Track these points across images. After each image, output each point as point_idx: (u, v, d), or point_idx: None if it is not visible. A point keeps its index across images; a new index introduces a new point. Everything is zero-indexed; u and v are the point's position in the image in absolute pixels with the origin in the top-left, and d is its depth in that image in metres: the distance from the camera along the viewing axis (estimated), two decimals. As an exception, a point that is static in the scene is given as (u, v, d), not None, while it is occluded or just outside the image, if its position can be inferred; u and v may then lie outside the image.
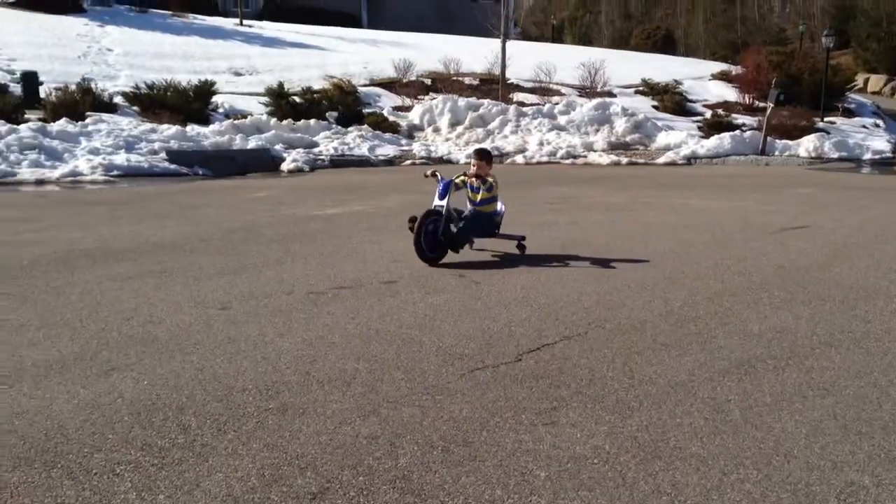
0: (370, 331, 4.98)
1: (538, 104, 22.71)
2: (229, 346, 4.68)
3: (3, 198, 11.96)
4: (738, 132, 20.43)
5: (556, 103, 22.46)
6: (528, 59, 26.23)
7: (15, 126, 15.82)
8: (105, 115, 18.20)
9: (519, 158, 18.79)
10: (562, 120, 21.31)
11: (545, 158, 18.93)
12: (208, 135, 17.99)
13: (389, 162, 18.46)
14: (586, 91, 24.94)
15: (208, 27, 31.34)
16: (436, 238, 7.01)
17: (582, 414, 3.66)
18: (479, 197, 7.36)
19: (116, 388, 3.98)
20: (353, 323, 5.16)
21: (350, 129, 20.00)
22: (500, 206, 7.58)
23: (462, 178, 7.40)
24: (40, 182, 13.83)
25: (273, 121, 19.32)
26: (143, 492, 2.94)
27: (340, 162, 17.86)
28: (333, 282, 6.38)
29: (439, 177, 7.36)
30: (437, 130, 21.22)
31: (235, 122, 19.04)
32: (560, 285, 6.18)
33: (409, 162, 18.51)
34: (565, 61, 26.62)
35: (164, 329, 5.04)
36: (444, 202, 7.09)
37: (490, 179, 7.32)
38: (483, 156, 7.45)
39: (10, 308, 5.51)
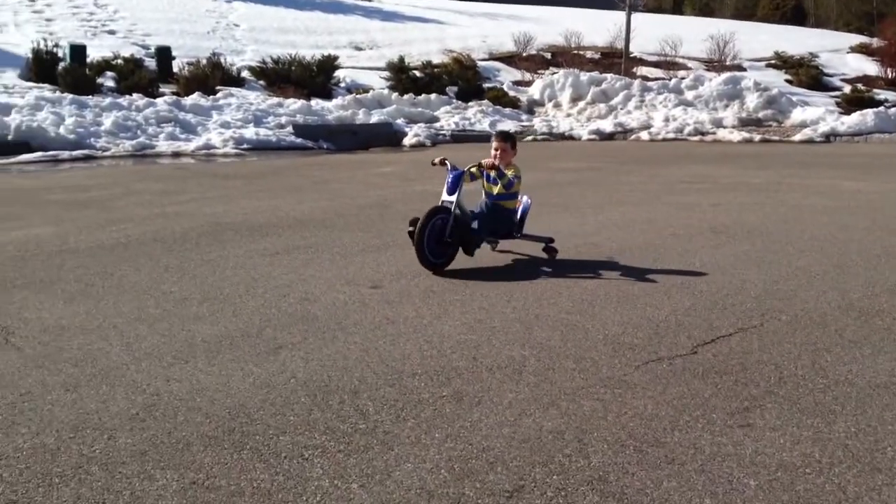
0: (530, 315, 4.82)
1: (663, 78, 21.96)
2: (389, 328, 4.62)
3: (145, 170, 12.41)
4: (881, 108, 19.18)
5: (683, 77, 21.66)
6: (651, 31, 25.38)
7: (152, 100, 16.40)
8: (234, 90, 18.69)
9: (643, 135, 18.22)
10: (689, 95, 20.53)
11: (671, 135, 18.29)
12: (332, 109, 18.22)
13: (510, 137, 18.24)
14: (714, 65, 23.96)
15: (330, 2, 31.71)
16: (442, 239, 5.84)
17: (779, 416, 3.40)
18: (496, 190, 6.14)
19: (287, 368, 3.97)
20: (509, 307, 5.02)
21: (470, 103, 19.88)
22: (524, 200, 6.44)
23: (474, 168, 6.09)
24: (176, 154, 14.31)
25: (394, 95, 19.38)
26: (335, 479, 2.88)
27: (461, 137, 17.77)
28: (481, 262, 6.25)
29: (449, 166, 6.08)
30: (557, 106, 20.83)
31: (358, 96, 19.20)
32: (719, 272, 5.86)
33: (530, 137, 18.23)
34: (690, 34, 25.62)
35: (321, 307, 5.03)
36: (453, 197, 5.90)
37: (510, 172, 6.07)
38: (505, 138, 6.22)
39: (172, 280, 5.64)
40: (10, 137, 13.33)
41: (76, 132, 13.86)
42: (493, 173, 6.03)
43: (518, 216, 6.33)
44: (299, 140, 16.17)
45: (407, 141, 16.90)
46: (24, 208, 8.47)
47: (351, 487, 2.83)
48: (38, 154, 12.87)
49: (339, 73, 20.74)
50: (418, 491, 2.81)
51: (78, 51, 18.45)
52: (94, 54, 19.02)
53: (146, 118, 15.34)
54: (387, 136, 17.26)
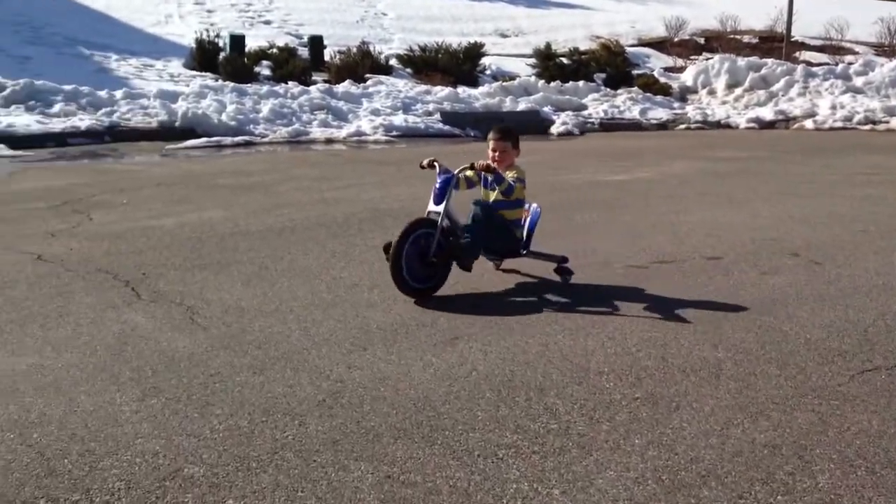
0: (716, 314, 4.50)
1: (829, 64, 20.59)
2: (566, 321, 4.42)
3: (301, 156, 12.72)
4: None
5: (851, 63, 20.23)
6: (814, 14, 23.86)
7: (306, 88, 16.82)
8: (382, 77, 18.90)
9: (808, 123, 17.13)
10: (858, 81, 19.14)
11: (839, 123, 17.09)
12: (478, 96, 18.11)
13: (662, 126, 17.57)
14: (885, 49, 22.26)
15: (473, -11, 31.64)
16: (426, 259, 4.83)
17: None
18: (493, 196, 5.11)
19: (467, 360, 3.85)
20: (691, 303, 4.72)
21: (619, 91, 19.29)
22: (533, 208, 5.37)
23: (469, 170, 4.99)
24: (329, 141, 14.59)
25: (541, 82, 19.07)
26: (534, 483, 2.72)
27: (610, 125, 17.26)
28: (650, 255, 5.95)
29: (438, 168, 4.99)
30: (712, 93, 19.92)
31: (504, 83, 19.01)
32: (924, 273, 5.32)
33: (683, 126, 17.51)
34: (858, 17, 23.92)
35: (489, 299, 4.90)
36: (440, 207, 4.87)
37: (510, 175, 4.99)
38: (505, 135, 5.14)
39: (340, 266, 5.65)
40: (177, 124, 13.96)
41: (236, 119, 14.37)
42: (490, 177, 4.97)
43: (525, 230, 5.23)
44: (447, 127, 16.16)
45: (554, 129, 16.57)
46: (196, 192, 8.80)
47: (552, 493, 2.66)
48: (203, 140, 13.42)
49: (484, 61, 20.62)
50: (626, 502, 2.61)
51: (237, 41, 19.16)
52: (251, 44, 19.72)
53: (300, 105, 15.73)
54: (533, 125, 16.96)
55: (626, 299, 4.83)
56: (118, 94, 14.84)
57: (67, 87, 14.37)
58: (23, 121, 13.04)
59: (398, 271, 4.74)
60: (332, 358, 3.89)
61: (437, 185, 4.93)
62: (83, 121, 13.46)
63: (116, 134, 13.55)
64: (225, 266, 5.64)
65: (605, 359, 3.86)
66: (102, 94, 14.60)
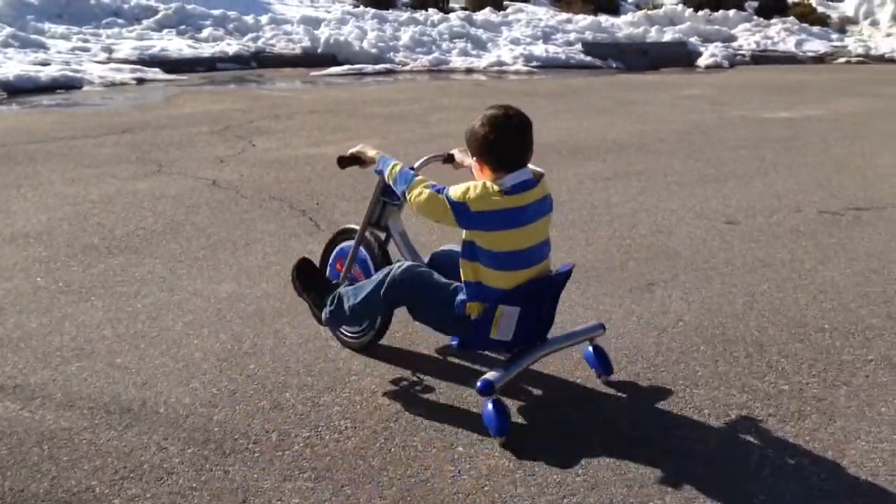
0: (938, 271, 4.11)
1: None
2: (767, 272, 4.13)
3: (445, 85, 12.53)
4: None
5: None
6: None
7: (445, 15, 16.54)
8: (522, 5, 18.39)
9: None
10: None
11: None
12: (621, 26, 17.39)
13: (819, 59, 16.44)
14: None
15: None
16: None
17: None
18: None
19: (670, 308, 3.64)
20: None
21: (772, 21, 18.12)
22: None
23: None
24: (469, 70, 14.32)
25: (688, 11, 18.11)
26: (779, 451, 2.52)
27: (762, 58, 16.26)
28: (843, 201, 5.51)
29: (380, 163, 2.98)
30: (875, 24, 18.45)
31: (648, 12, 18.17)
32: None
33: (842, 60, 16.31)
34: None
35: (679, 241, 4.63)
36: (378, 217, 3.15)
37: (454, 193, 2.57)
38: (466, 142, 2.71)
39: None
40: (319, 50, 14.02)
41: (377, 46, 14.29)
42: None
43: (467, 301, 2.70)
44: (588, 58, 15.60)
45: (702, 61, 15.74)
46: (349, 120, 8.78)
47: (802, 462, 2.46)
48: (346, 67, 13.42)
49: (627, -12, 19.83)
50: (887, 477, 2.38)
51: (376, -34, 19.03)
52: (387, -31, 19.54)
53: (440, 34, 15.50)
54: (679, 56, 16.17)
55: (827, 249, 4.48)
56: (263, 19, 15.00)
57: (216, 13, 14.61)
58: (175, 45, 13.36)
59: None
60: (525, 299, 3.75)
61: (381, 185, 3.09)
62: (231, 46, 13.69)
63: (262, 59, 13.73)
64: (395, 198, 5.58)
65: (823, 314, 3.57)
66: (248, 19, 14.79)
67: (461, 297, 2.68)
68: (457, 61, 14.57)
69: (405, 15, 16.24)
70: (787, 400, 2.83)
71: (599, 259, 4.33)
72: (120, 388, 2.86)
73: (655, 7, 18.56)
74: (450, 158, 3.15)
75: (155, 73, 11.87)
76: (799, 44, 16.88)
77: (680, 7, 18.37)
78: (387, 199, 3.08)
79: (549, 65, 14.98)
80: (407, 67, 14.04)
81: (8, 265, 4.07)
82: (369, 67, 13.65)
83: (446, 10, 17.33)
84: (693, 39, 16.85)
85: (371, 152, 3.04)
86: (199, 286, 3.86)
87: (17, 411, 2.68)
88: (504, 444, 2.52)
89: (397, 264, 2.83)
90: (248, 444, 2.53)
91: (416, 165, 2.99)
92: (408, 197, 2.71)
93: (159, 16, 14.22)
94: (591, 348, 2.96)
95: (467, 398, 2.82)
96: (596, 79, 13.65)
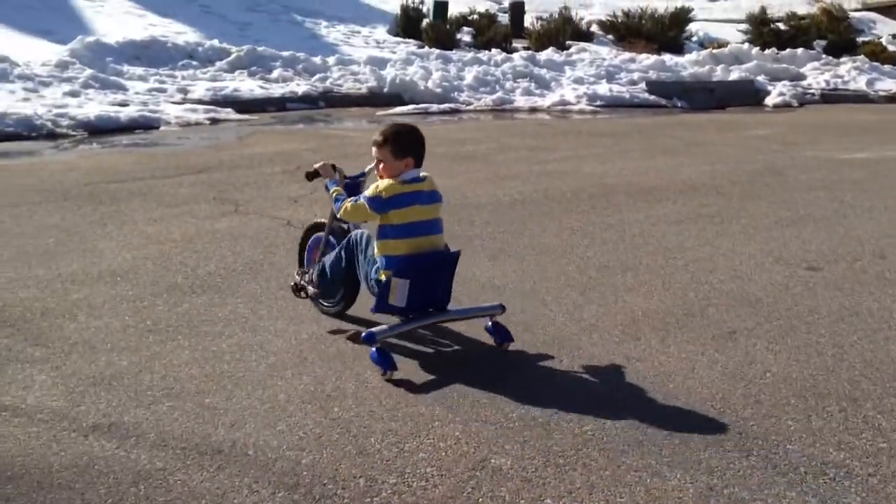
0: None
1: None
2: (855, 321, 4.02)
3: (510, 125, 12.62)
4: None
5: None
6: None
7: (508, 55, 16.68)
8: (585, 44, 18.43)
9: None
10: None
11: None
12: (685, 65, 17.28)
13: (892, 98, 16.05)
14: None
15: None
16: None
17: None
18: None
19: (755, 359, 3.56)
20: None
21: (842, 59, 17.80)
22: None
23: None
24: (532, 109, 14.38)
25: (754, 50, 17.91)
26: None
27: (832, 97, 15.95)
28: (931, 248, 5.35)
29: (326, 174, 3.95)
30: (950, 62, 17.96)
31: (713, 51, 18.02)
32: None
33: (917, 99, 15.91)
34: None
35: (759, 288, 4.54)
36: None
37: (370, 192, 3.57)
38: (383, 141, 3.62)
39: (583, 245, 5.46)
40: (385, 90, 14.24)
41: (441, 86, 14.46)
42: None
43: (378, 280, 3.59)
44: (652, 97, 15.52)
45: (770, 100, 15.50)
46: (416, 160, 8.88)
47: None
48: (411, 107, 13.60)
49: (691, 27, 19.66)
50: None
51: (440, 7, 19.28)
52: (451, 10, 19.81)
53: (503, 73, 15.62)
54: (746, 95, 15.97)
55: (918, 299, 4.34)
56: (331, 60, 15.32)
57: (285, 54, 14.98)
58: (246, 86, 13.73)
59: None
60: (604, 346, 3.72)
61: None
62: (300, 86, 13.99)
63: (329, 99, 14.00)
64: (467, 240, 5.59)
65: (918, 370, 3.46)
66: (316, 60, 15.13)
67: (376, 266, 3.59)
68: (520, 100, 14.64)
69: (469, 55, 16.42)
70: (888, 459, 2.73)
71: (677, 304, 4.28)
72: (210, 428, 2.91)
73: (721, 46, 18.41)
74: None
75: (227, 113, 12.18)
76: (870, 83, 16.54)
77: (746, 45, 18.19)
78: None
79: (612, 104, 14.95)
80: (471, 107, 14.15)
81: (97, 303, 4.20)
82: (434, 107, 13.81)
83: (509, 51, 17.46)
84: (760, 78, 16.64)
85: (327, 172, 3.93)
86: (281, 327, 3.92)
87: (112, 450, 2.74)
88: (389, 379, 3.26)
89: (357, 231, 3.80)
90: (336, 489, 2.54)
91: (362, 173, 4.02)
92: (339, 212, 3.72)
93: (231, 57, 14.64)
94: (490, 323, 3.72)
95: (554, 448, 2.79)
96: (661, 118, 13.57)
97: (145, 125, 10.97)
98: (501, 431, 2.91)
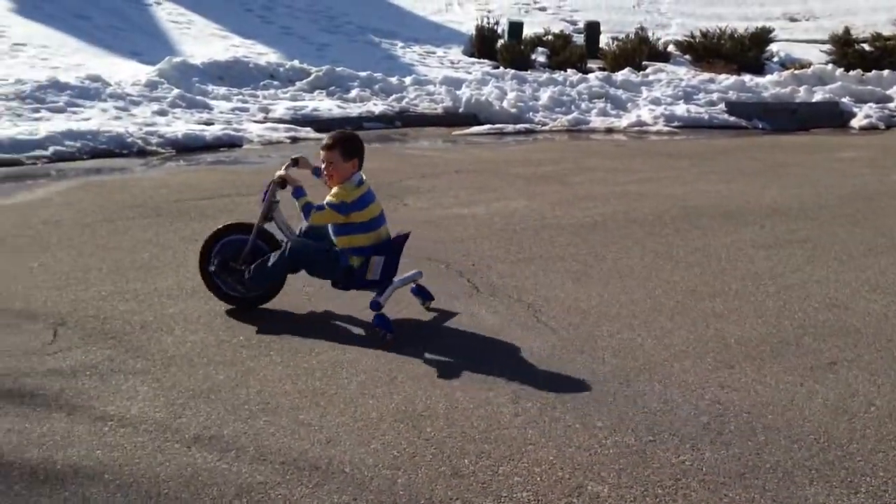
0: None
1: None
2: (962, 354, 3.86)
3: (585, 145, 12.55)
4: None
5: None
6: None
7: (584, 75, 16.61)
8: (661, 65, 18.25)
9: None
10: None
11: None
12: (767, 86, 16.91)
13: None
14: None
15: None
16: (229, 266, 4.43)
17: None
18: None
19: (857, 391, 3.45)
20: None
21: (931, 81, 17.20)
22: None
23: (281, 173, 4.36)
24: (608, 130, 14.28)
25: (839, 71, 17.43)
26: None
27: (922, 119, 15.42)
28: None
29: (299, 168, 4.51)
30: None
31: (796, 72, 17.60)
32: None
33: None
34: None
35: (857, 317, 4.40)
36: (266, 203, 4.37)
37: (335, 199, 4.16)
38: (332, 144, 4.21)
39: (668, 269, 5.38)
40: (461, 110, 14.33)
41: (517, 106, 14.47)
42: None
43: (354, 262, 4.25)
44: (732, 118, 15.23)
45: (855, 122, 15.06)
46: (493, 179, 8.91)
47: None
48: (486, 127, 13.64)
49: (772, 47, 19.28)
50: None
51: (515, 27, 19.35)
52: (526, 31, 19.86)
53: (579, 94, 15.55)
54: (830, 117, 15.54)
55: None
56: (407, 80, 15.50)
57: (362, 74, 15.22)
58: (325, 105, 13.99)
59: (204, 272, 4.56)
60: (697, 373, 3.65)
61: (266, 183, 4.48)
62: (377, 106, 14.19)
63: (405, 118, 14.15)
64: (549, 261, 5.58)
65: None
66: (393, 80, 15.32)
67: (344, 256, 4.19)
68: (596, 121, 14.54)
69: (544, 76, 16.41)
70: None
71: (771, 333, 4.17)
72: (306, 444, 2.95)
73: (803, 66, 17.98)
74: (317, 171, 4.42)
75: (307, 132, 12.43)
76: (963, 105, 15.93)
77: (830, 66, 17.73)
78: (275, 200, 4.36)
79: (690, 125, 14.72)
80: (546, 127, 14.12)
81: (193, 317, 4.32)
82: (509, 127, 13.82)
83: (585, 71, 17.39)
84: (845, 100, 16.19)
85: (293, 180, 4.26)
86: (369, 344, 3.96)
87: (214, 462, 2.81)
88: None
89: (288, 243, 4.25)
90: (434, 510, 2.55)
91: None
92: (311, 220, 4.20)
93: (311, 78, 14.94)
94: (414, 286, 4.51)
95: (651, 477, 2.75)
96: (741, 139, 13.31)
97: (229, 143, 11.27)
98: (596, 458, 2.88)
